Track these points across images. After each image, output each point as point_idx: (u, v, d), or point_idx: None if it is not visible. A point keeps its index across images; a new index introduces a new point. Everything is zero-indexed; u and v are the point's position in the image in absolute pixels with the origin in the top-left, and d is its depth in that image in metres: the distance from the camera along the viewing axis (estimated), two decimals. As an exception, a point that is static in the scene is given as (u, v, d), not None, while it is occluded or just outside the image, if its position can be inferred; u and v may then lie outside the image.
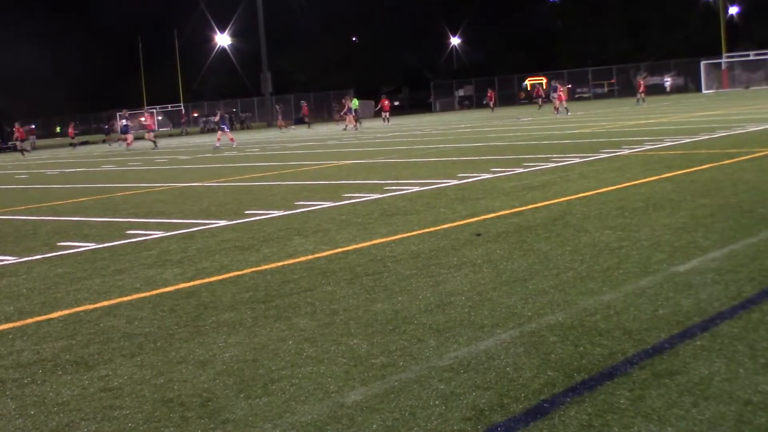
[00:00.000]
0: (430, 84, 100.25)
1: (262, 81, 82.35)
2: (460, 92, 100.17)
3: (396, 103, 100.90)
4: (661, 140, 21.07)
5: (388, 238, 9.70)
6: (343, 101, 55.72)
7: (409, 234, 9.89)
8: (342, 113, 55.57)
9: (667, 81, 77.30)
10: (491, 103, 66.91)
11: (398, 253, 8.73)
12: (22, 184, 25.71)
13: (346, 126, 51.37)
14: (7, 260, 10.35)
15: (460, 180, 15.38)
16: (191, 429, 4.41)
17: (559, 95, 49.42)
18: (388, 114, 58.71)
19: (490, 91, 51.87)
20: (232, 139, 41.43)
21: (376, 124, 59.42)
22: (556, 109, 48.49)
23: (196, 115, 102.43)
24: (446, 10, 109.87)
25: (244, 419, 4.47)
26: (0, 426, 4.69)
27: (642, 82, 58.99)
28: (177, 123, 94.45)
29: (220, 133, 41.45)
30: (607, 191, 12.25)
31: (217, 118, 48.86)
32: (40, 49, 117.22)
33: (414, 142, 31.55)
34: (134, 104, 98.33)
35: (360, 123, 53.29)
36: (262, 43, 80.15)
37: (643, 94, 57.26)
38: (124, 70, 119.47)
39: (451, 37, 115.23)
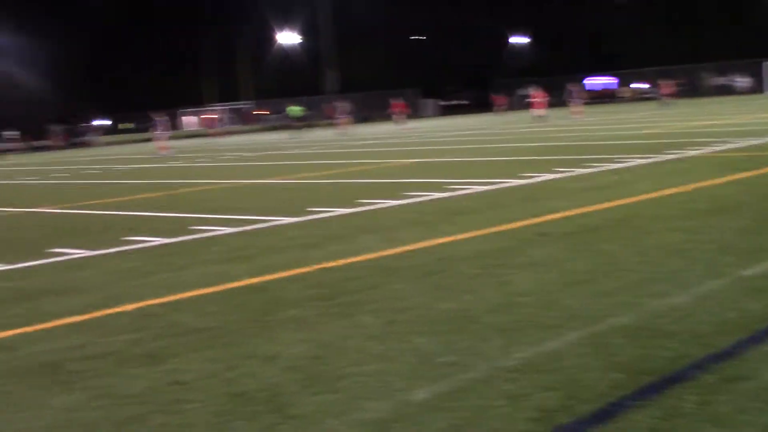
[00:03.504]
0: (491, 83, 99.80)
1: (326, 79, 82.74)
2: (522, 91, 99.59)
3: (458, 102, 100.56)
4: (727, 141, 20.80)
5: (453, 237, 9.71)
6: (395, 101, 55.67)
7: (473, 233, 9.89)
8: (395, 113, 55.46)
9: (740, 81, 76.01)
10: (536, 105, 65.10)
11: (463, 252, 8.74)
12: (94, 178, 26.11)
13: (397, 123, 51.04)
14: (79, 253, 10.54)
15: (522, 179, 15.33)
16: (259, 423, 4.47)
17: (535, 102, 48.51)
18: (403, 116, 58.08)
19: (535, 92, 50.97)
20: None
21: (433, 123, 59.36)
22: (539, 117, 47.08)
23: (262, 113, 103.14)
24: (510, 10, 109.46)
25: (311, 415, 4.52)
26: (72, 417, 4.79)
27: (664, 84, 57.68)
28: (244, 120, 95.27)
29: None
30: (673, 193, 12.14)
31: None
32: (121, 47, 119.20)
33: (474, 141, 31.49)
34: (201, 102, 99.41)
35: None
36: (327, 41, 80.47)
37: (667, 97, 55.99)
38: (191, 67, 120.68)
39: (516, 35, 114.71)
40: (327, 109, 72.31)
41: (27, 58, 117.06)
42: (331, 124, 68.72)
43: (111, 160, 38.23)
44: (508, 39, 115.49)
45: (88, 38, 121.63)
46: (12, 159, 55.17)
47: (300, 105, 62.97)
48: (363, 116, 78.74)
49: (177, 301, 7.48)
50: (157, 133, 42.12)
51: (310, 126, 62.39)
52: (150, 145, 40.98)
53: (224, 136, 72.09)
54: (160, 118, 42.36)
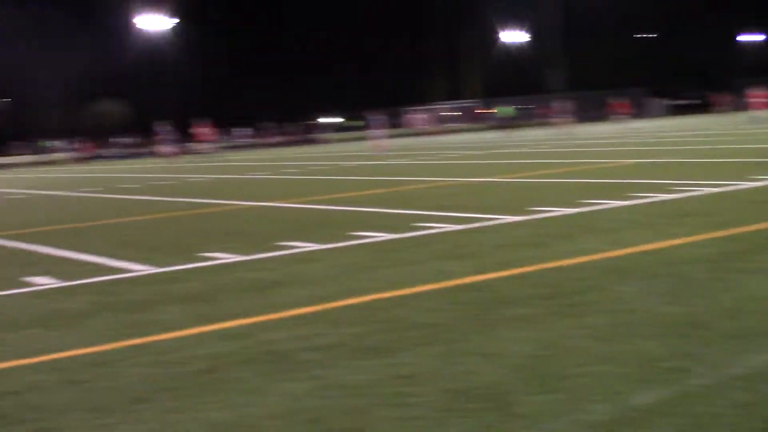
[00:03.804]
0: (720, 82, 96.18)
1: (551, 78, 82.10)
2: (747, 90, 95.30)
3: (687, 102, 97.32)
4: None
5: (680, 240, 9.45)
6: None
7: (701, 236, 9.59)
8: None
9: None
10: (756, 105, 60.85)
11: (690, 256, 8.49)
12: (322, 174, 26.84)
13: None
14: (309, 247, 10.87)
15: (752, 182, 14.73)
16: (481, 421, 4.49)
17: (755, 102, 44.92)
18: (624, 116, 56.09)
19: (758, 91, 47.81)
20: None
21: (656, 123, 57.82)
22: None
23: (486, 111, 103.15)
24: (742, 6, 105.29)
25: (533, 414, 4.51)
26: (298, 405, 4.95)
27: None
28: (468, 119, 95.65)
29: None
30: None
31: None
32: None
33: (697, 141, 30.49)
34: (426, 100, 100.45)
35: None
36: (553, 40, 79.76)
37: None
38: (415, 66, 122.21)
39: (747, 34, 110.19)
40: (541, 108, 71.60)
41: (261, 60, 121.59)
42: (545, 124, 68.06)
43: (338, 157, 39.16)
44: (737, 36, 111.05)
45: (322, 39, 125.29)
46: (244, 155, 57.32)
47: (510, 105, 62.75)
48: (587, 116, 77.55)
49: (401, 297, 7.60)
50: (373, 131, 42.59)
51: (519, 126, 61.85)
52: (387, 143, 41.54)
53: (447, 135, 72.60)
54: (376, 117, 42.82)
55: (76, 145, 73.43)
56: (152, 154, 54.91)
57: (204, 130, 49.55)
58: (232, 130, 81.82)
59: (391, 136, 66.60)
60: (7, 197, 26.67)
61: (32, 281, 9.73)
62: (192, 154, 54.86)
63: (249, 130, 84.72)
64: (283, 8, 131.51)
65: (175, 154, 48.65)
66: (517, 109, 63.71)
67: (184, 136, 66.83)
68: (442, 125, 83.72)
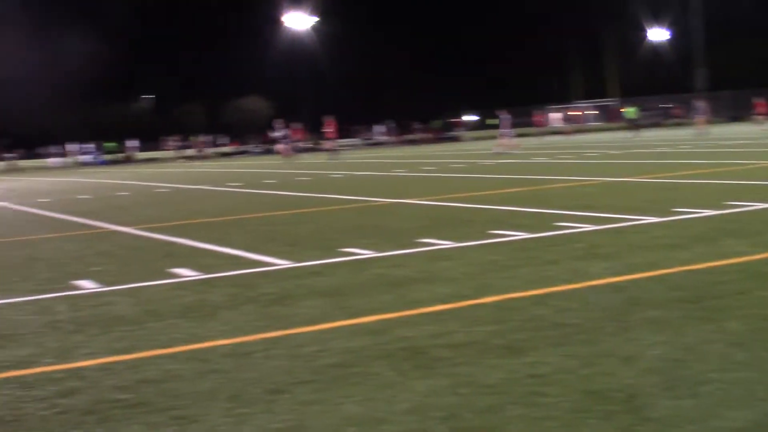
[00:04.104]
0: None
1: (696, 77, 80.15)
2: None
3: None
4: None
5: (830, 244, 9.14)
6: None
7: None
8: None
9: None
10: None
11: (840, 261, 8.21)
12: (459, 172, 26.85)
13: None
14: (445, 244, 10.90)
15: None
16: (614, 423, 4.44)
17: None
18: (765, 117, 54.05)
19: None
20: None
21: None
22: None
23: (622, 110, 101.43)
24: None
25: (668, 419, 4.44)
26: (432, 402, 4.98)
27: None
28: (609, 118, 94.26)
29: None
30: None
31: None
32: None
33: None
34: (565, 99, 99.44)
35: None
36: (697, 38, 77.86)
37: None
38: (552, 64, 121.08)
39: None
40: (674, 109, 69.88)
41: (401, 58, 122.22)
42: (682, 124, 66.52)
43: (476, 155, 39.07)
44: None
45: (462, 38, 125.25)
46: (383, 152, 57.69)
47: (635, 106, 61.57)
48: (728, 116, 75.44)
49: (538, 296, 7.56)
50: (502, 130, 42.17)
51: (643, 126, 60.44)
52: (515, 141, 41.18)
53: (585, 133, 71.65)
54: (504, 116, 42.37)
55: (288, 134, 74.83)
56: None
57: (329, 128, 49.59)
58: (373, 127, 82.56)
59: (530, 135, 66.06)
60: (155, 191, 27.48)
61: (176, 272, 10.01)
62: (312, 152, 55.41)
63: (387, 128, 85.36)
64: (423, 8, 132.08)
65: (290, 153, 48.86)
66: (640, 109, 62.47)
67: (314, 133, 67.60)
68: (580, 124, 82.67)
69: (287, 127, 49.98)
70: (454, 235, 11.66)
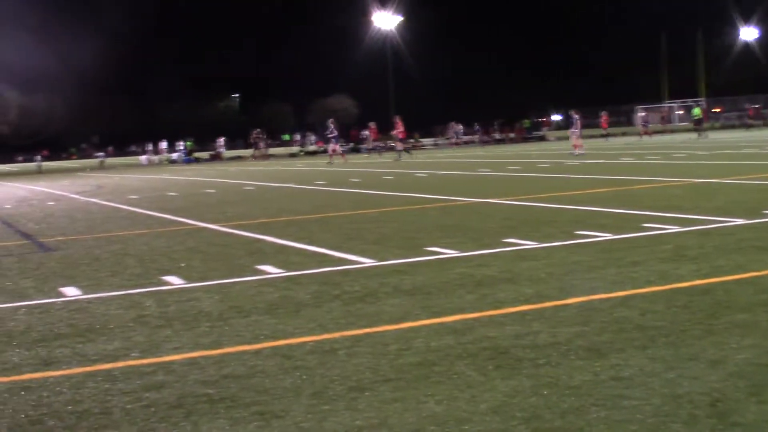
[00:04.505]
0: None
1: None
2: None
3: None
4: None
5: None
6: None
7: None
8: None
9: None
10: None
11: None
12: (543, 172, 26.69)
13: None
14: (529, 245, 10.85)
15: None
16: (699, 428, 4.39)
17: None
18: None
19: None
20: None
21: None
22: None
23: (717, 110, 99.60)
24: None
25: (755, 424, 4.37)
26: (514, 402, 4.97)
27: None
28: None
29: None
30: None
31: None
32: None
33: None
34: (651, 98, 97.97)
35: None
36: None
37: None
38: (643, 63, 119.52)
39: None
40: (750, 109, 68.30)
41: (484, 58, 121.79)
42: (750, 126, 65.18)
43: (561, 155, 38.75)
44: None
45: (547, 38, 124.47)
46: (467, 152, 57.54)
47: (699, 107, 60.46)
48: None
49: (623, 297, 7.49)
50: (572, 130, 41.53)
51: (706, 129, 59.14)
52: (610, 140, 40.70)
53: (672, 134, 70.59)
54: (575, 116, 41.72)
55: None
56: (388, 150, 55.58)
57: (398, 128, 49.28)
58: (454, 126, 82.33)
59: (615, 135, 65.21)
60: (243, 188, 27.79)
61: (262, 269, 10.13)
62: (378, 152, 55.28)
63: (471, 128, 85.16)
64: (514, 6, 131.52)
65: (340, 155, 48.61)
66: (704, 110, 61.47)
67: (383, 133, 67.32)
68: (669, 124, 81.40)
69: (336, 127, 49.85)
70: (538, 235, 11.60)
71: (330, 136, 48.66)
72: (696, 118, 58.43)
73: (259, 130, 70.61)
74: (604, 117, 61.96)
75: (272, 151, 74.99)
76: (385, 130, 60.50)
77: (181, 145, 79.28)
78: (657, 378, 5.21)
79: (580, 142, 39.71)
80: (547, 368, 5.56)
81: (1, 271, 11.35)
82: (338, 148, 48.42)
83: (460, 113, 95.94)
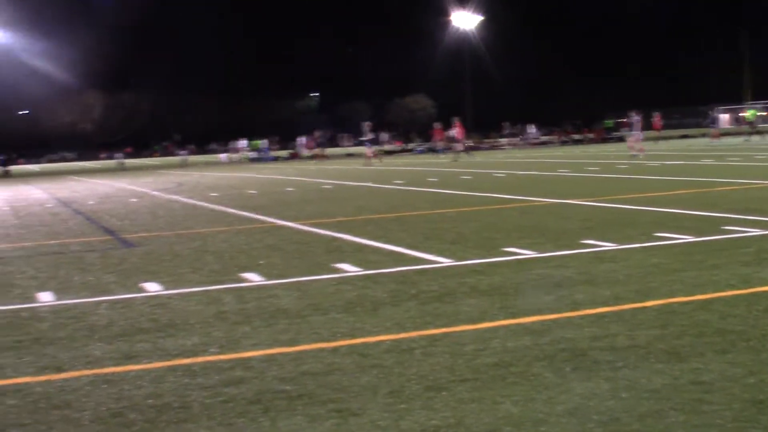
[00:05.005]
0: None
1: None
2: None
3: None
4: None
5: None
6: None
7: None
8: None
9: None
10: None
11: None
12: (622, 173, 26.41)
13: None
14: (607, 246, 10.76)
15: None
16: (781, 433, 4.33)
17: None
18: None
19: None
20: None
21: None
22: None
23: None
24: None
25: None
26: (592, 405, 4.94)
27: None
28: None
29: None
30: None
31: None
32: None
33: None
34: (733, 98, 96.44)
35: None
36: None
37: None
38: (724, 63, 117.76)
39: None
40: None
41: (565, 57, 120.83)
42: None
43: (643, 156, 38.27)
44: None
45: (637, 36, 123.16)
46: (546, 152, 57.15)
47: (755, 109, 59.14)
48: None
49: (703, 301, 7.39)
50: (632, 132, 40.75)
51: (759, 132, 57.79)
52: (699, 141, 40.09)
53: (755, 135, 69.31)
54: (635, 117, 40.96)
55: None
56: (449, 149, 55.43)
57: (457, 129, 48.95)
58: (531, 126, 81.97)
59: (691, 137, 64.19)
60: (322, 187, 27.96)
61: (339, 268, 10.19)
62: (477, 151, 54.95)
63: (548, 128, 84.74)
64: (582, 7, 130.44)
65: (378, 157, 48.32)
66: (755, 114, 60.26)
67: (478, 133, 67.07)
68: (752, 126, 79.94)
69: (374, 130, 49.54)
70: (617, 236, 11.50)
71: (365, 139, 48.53)
72: (750, 120, 57.40)
73: (321, 132, 71.06)
74: (656, 118, 60.69)
75: (350, 150, 75.24)
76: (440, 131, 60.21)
77: (265, 142, 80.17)
78: (737, 383, 5.14)
79: (639, 145, 39.18)
80: (625, 371, 5.52)
81: (85, 266, 11.59)
82: (371, 150, 48.21)
83: (538, 113, 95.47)
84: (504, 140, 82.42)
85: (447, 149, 56.02)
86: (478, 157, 50.46)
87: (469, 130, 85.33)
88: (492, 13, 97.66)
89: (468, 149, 49.06)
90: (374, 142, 49.57)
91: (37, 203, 27.18)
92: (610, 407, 4.88)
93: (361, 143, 48.40)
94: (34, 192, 35.63)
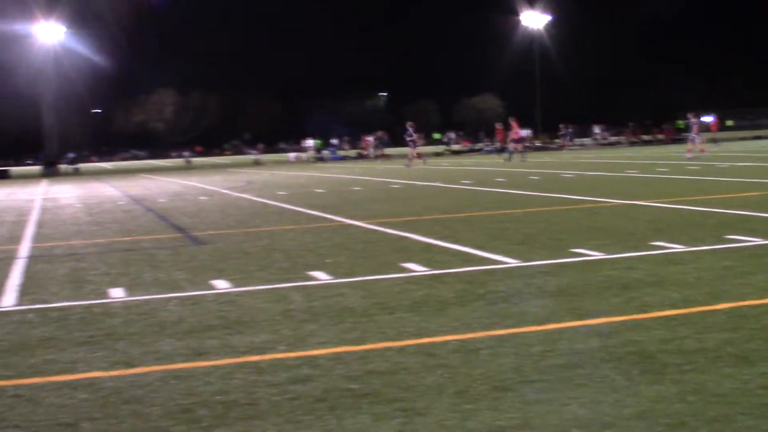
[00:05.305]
0: None
1: None
2: None
3: None
4: None
5: None
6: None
7: None
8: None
9: None
10: None
11: None
12: (693, 174, 26.09)
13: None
14: (676, 248, 10.65)
15: None
16: None
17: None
18: None
19: None
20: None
21: None
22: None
23: None
24: None
25: None
26: (659, 408, 4.90)
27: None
28: None
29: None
30: None
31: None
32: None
33: None
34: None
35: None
36: None
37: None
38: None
39: None
40: None
41: (634, 56, 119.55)
42: None
43: (711, 157, 37.76)
44: None
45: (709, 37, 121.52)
46: (615, 152, 56.63)
47: None
48: None
49: (773, 305, 7.30)
50: (691, 134, 40.02)
51: None
52: (700, 147, 39.42)
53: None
54: (693, 119, 40.20)
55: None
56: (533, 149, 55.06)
57: (514, 129, 48.55)
58: (595, 127, 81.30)
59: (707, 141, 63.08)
60: (389, 186, 28.01)
61: (407, 267, 10.21)
62: (544, 151, 54.56)
63: (616, 128, 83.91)
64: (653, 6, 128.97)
65: (420, 158, 47.94)
66: None
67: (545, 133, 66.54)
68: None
69: (417, 130, 49.09)
70: (686, 238, 11.37)
71: (409, 139, 48.23)
72: None
73: (381, 132, 71.24)
74: (713, 120, 59.40)
75: (419, 150, 75.25)
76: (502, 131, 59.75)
77: (336, 141, 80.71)
78: (806, 388, 5.07)
79: (698, 146, 38.68)
80: (694, 374, 5.47)
81: (156, 263, 11.75)
82: (414, 151, 47.80)
83: (609, 113, 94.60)
84: (570, 141, 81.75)
85: (501, 150, 55.76)
86: (547, 157, 50.13)
87: (538, 130, 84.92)
88: (563, 11, 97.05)
89: (521, 150, 48.73)
90: (416, 142, 49.29)
91: (110, 200, 27.60)
92: (677, 411, 4.84)
93: (408, 143, 47.95)
94: (107, 189, 36.19)
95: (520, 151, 48.70)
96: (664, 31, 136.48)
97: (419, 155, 47.37)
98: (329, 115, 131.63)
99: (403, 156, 51.57)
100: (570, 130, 76.53)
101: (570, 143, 74.87)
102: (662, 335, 6.45)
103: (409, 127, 48.32)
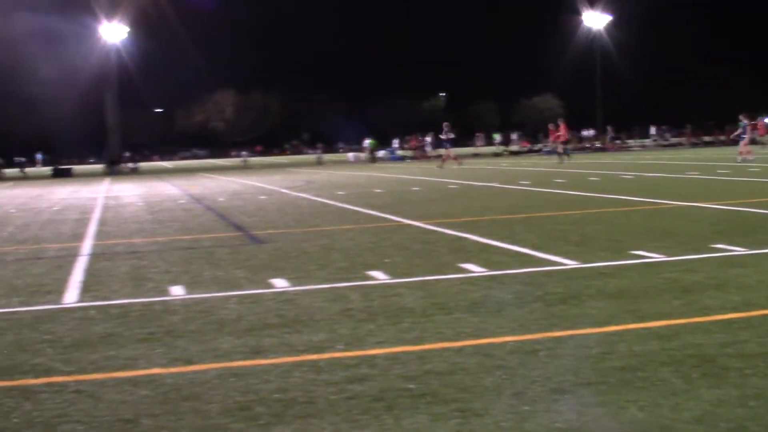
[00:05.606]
0: None
1: None
2: None
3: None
4: None
5: None
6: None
7: None
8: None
9: None
10: None
11: None
12: (754, 176, 25.74)
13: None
14: (738, 251, 10.52)
15: None
16: None
17: None
18: None
19: None
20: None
21: None
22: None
23: None
24: None
25: None
26: (719, 412, 4.85)
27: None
28: None
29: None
30: None
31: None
32: None
33: None
34: None
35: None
36: None
37: None
38: None
39: None
40: None
41: (695, 57, 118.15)
42: None
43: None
44: None
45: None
46: (676, 154, 56.04)
47: None
48: None
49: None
50: (742, 136, 39.26)
51: None
52: (748, 148, 38.76)
53: None
54: (745, 121, 39.42)
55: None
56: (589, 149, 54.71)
57: (561, 131, 48.09)
58: (654, 128, 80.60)
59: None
60: (447, 187, 27.97)
61: (464, 268, 10.20)
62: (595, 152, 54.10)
63: (676, 129, 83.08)
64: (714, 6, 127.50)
65: (457, 159, 47.30)
66: None
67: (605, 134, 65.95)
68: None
69: (452, 130, 48.58)
70: (748, 241, 11.23)
71: (445, 139, 47.82)
72: None
73: (423, 134, 71.40)
74: (760, 123, 58.19)
75: (478, 150, 75.03)
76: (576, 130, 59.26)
77: (395, 142, 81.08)
78: None
79: (747, 148, 38.09)
80: (755, 379, 5.40)
81: (215, 262, 11.85)
82: (451, 152, 47.33)
83: (670, 114, 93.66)
84: (634, 141, 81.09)
85: (551, 151, 55.32)
86: (607, 158, 49.74)
87: (599, 131, 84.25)
88: (623, 11, 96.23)
89: (565, 151, 48.33)
90: (454, 142, 48.85)
91: (170, 199, 27.88)
92: (738, 415, 4.78)
93: (443, 144, 47.38)
94: (167, 188, 36.56)
95: (560, 153, 48.31)
96: (726, 31, 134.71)
97: (455, 157, 46.96)
98: (388, 116, 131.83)
99: (464, 156, 51.37)
100: (654, 130, 75.94)
101: (613, 145, 74.19)
102: (723, 339, 6.38)
103: (445, 126, 48.06)
